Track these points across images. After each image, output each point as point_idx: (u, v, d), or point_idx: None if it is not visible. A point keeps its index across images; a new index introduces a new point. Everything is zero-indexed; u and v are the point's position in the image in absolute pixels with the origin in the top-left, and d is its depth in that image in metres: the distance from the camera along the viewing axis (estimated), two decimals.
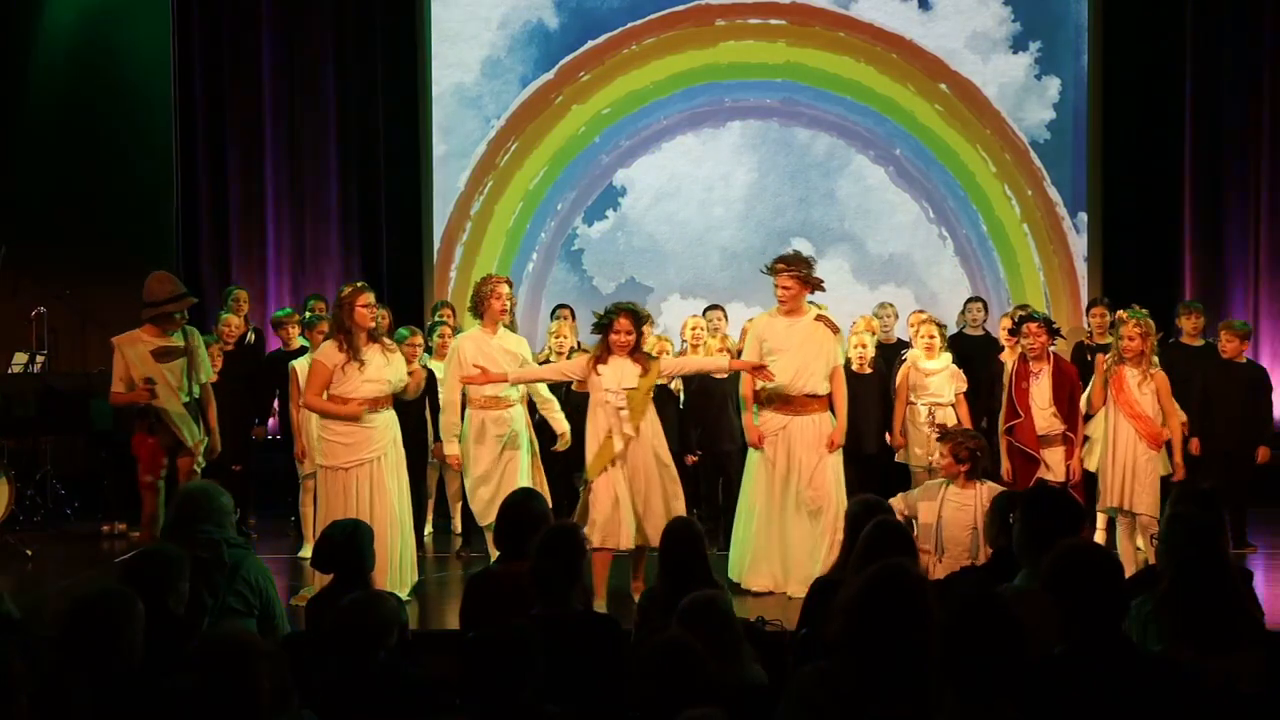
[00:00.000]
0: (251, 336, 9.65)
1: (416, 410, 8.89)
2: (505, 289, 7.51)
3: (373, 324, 6.98)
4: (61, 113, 10.94)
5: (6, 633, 3.99)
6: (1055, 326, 7.79)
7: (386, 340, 7.17)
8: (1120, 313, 7.70)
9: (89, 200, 10.79)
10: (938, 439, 6.48)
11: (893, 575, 3.11)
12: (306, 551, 8.62)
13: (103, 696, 3.52)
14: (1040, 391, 7.54)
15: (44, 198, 10.85)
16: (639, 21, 11.19)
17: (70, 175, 10.85)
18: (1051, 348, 7.68)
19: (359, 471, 6.93)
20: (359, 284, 7.12)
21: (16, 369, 10.13)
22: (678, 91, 11.21)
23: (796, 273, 7.20)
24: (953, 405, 8.38)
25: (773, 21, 11.16)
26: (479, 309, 7.54)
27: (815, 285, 7.26)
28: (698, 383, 8.75)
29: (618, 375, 6.81)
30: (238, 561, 4.78)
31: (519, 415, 7.61)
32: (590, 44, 11.20)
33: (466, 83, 11.23)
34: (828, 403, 7.34)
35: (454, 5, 11.24)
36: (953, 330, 9.41)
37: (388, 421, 7.07)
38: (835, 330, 7.34)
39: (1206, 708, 3.30)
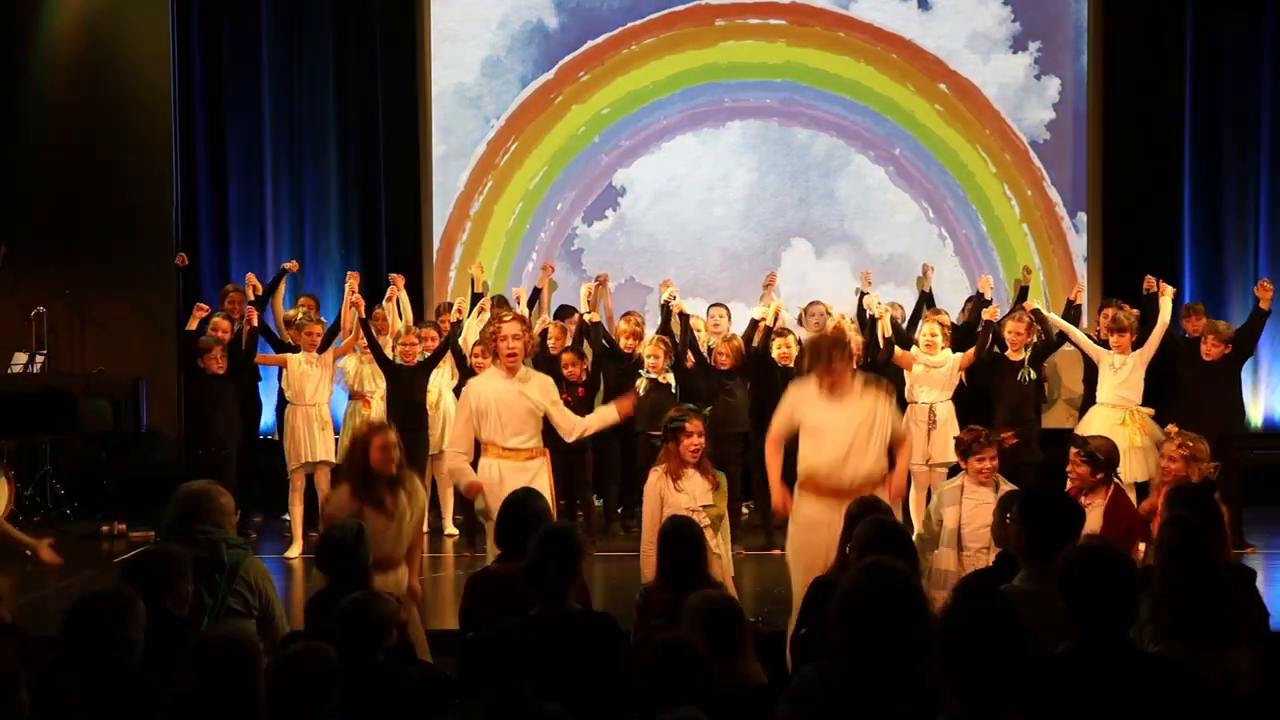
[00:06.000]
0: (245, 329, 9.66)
1: (415, 409, 8.92)
2: (511, 328, 6.39)
3: (393, 470, 5.57)
4: (62, 112, 10.93)
5: (4, 635, 4.00)
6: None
7: (410, 478, 5.72)
8: (1171, 428, 6.44)
9: (89, 200, 10.79)
10: (971, 447, 6.04)
11: (876, 573, 3.12)
12: (294, 551, 8.67)
13: (102, 697, 3.52)
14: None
15: (44, 198, 10.85)
16: (639, 21, 11.18)
17: (70, 175, 10.85)
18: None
19: None
20: (374, 422, 6.00)
21: (16, 369, 10.14)
22: (677, 91, 11.20)
23: (849, 356, 6.02)
24: (954, 399, 8.44)
25: (773, 21, 11.16)
26: (488, 349, 6.51)
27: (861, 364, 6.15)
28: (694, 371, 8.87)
29: (693, 492, 5.89)
30: (237, 562, 4.77)
31: (541, 469, 6.57)
32: (590, 44, 11.19)
33: (466, 83, 11.23)
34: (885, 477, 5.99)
35: (454, 5, 11.23)
36: None
37: (396, 583, 5.47)
38: (889, 391, 6.03)
39: (1208, 708, 3.30)
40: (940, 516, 5.92)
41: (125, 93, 10.95)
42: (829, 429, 5.82)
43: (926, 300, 9.57)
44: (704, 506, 5.81)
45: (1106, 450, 5.80)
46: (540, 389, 6.56)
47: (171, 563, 4.24)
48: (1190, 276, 11.04)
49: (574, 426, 6.64)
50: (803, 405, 5.92)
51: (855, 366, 6.09)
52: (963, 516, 5.81)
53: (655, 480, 5.94)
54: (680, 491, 5.87)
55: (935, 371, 8.52)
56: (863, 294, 9.52)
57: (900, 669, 3.04)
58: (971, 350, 8.63)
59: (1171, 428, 6.35)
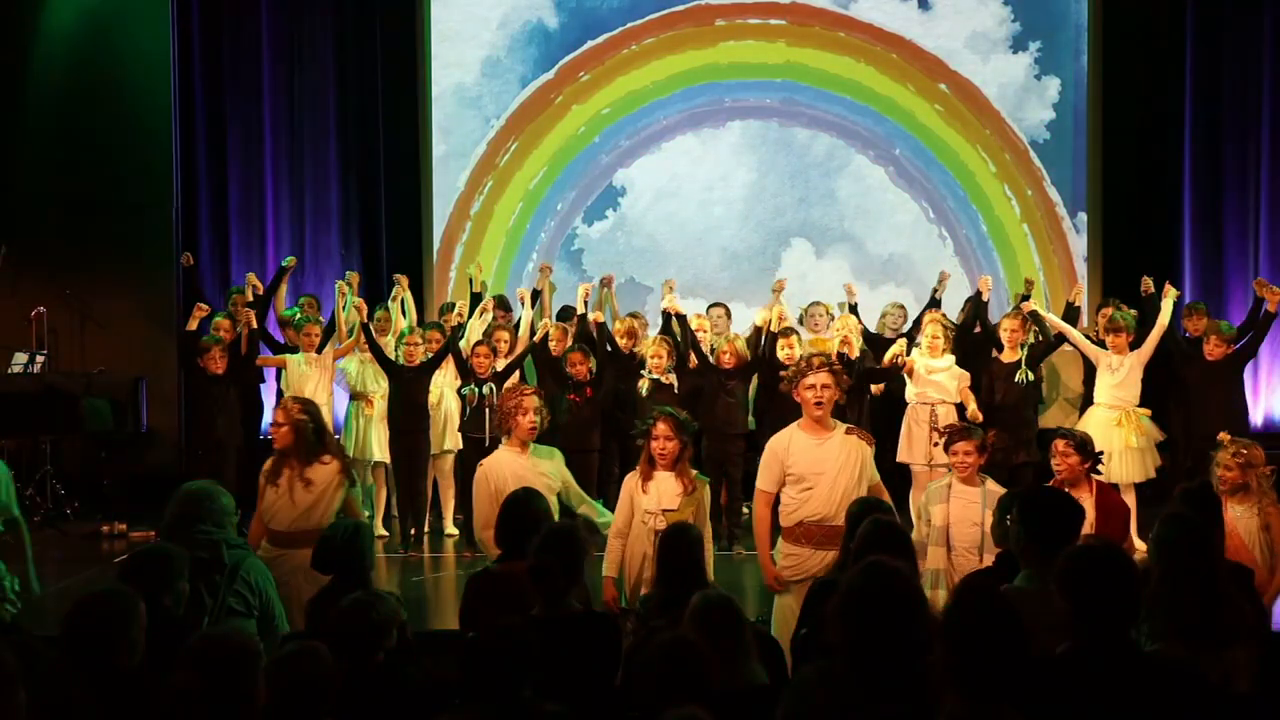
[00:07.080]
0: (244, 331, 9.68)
1: (417, 410, 8.91)
2: (533, 401, 6.14)
3: (279, 445, 5.84)
4: (62, 112, 10.93)
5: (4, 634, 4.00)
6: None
7: (326, 460, 5.83)
8: (1223, 436, 5.99)
9: (89, 200, 10.79)
10: (951, 437, 6.02)
11: (876, 573, 3.11)
12: None
13: (102, 697, 3.52)
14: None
15: (44, 198, 10.85)
16: (639, 21, 11.19)
17: (70, 175, 10.85)
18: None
19: None
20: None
21: (16, 369, 10.14)
22: (678, 91, 11.21)
23: (836, 375, 5.83)
24: (956, 404, 8.42)
25: (773, 21, 11.17)
26: (505, 425, 6.22)
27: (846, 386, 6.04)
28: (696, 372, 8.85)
29: (658, 494, 5.77)
30: (237, 562, 4.78)
31: None
32: (590, 44, 11.20)
33: (466, 83, 11.24)
34: None
35: (454, 5, 11.24)
36: None
37: (293, 567, 5.44)
38: (870, 442, 5.92)
39: (1207, 708, 3.30)
40: (929, 515, 5.92)
41: (126, 93, 10.95)
42: (818, 470, 5.67)
43: (934, 305, 9.60)
44: (664, 510, 5.65)
45: (1091, 441, 5.86)
46: (549, 460, 6.22)
47: (170, 562, 4.24)
48: (1190, 276, 11.04)
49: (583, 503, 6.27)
50: (787, 453, 5.74)
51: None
52: (950, 516, 5.81)
53: (629, 479, 5.93)
54: (646, 493, 5.77)
55: (936, 375, 8.51)
56: (852, 305, 9.57)
57: (900, 669, 3.04)
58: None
59: (1223, 435, 6.07)
